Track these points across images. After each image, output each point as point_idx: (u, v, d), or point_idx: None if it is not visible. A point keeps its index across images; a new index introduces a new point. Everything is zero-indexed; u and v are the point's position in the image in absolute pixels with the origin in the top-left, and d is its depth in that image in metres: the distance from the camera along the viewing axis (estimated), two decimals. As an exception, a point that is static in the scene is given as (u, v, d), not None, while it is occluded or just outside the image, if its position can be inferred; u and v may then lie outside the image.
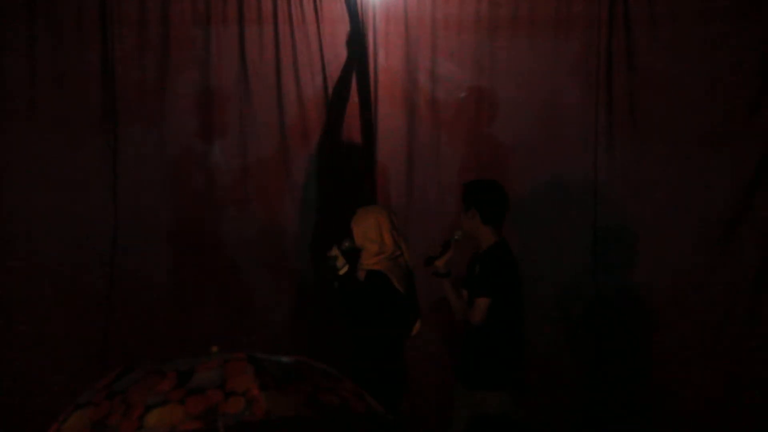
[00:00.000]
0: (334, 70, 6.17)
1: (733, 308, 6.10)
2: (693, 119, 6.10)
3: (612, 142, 6.16)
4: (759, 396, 6.07)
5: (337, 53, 6.19)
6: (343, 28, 6.19)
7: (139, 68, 6.14)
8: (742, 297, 6.09)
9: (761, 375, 6.07)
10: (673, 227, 6.12)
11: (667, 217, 6.12)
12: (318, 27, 6.16)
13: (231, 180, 6.18)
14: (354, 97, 6.23)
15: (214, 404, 2.05)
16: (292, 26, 6.16)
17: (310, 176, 6.20)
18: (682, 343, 6.12)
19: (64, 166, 6.14)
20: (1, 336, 6.12)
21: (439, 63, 6.17)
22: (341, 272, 5.23)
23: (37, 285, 6.12)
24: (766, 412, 6.08)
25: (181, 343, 5.87)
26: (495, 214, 5.16)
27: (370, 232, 5.24)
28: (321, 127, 6.19)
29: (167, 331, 6.04)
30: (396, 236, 5.31)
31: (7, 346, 6.11)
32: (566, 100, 6.16)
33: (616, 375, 6.12)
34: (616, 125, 6.16)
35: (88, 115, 6.16)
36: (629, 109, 6.15)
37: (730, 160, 6.09)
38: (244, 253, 6.16)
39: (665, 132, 6.13)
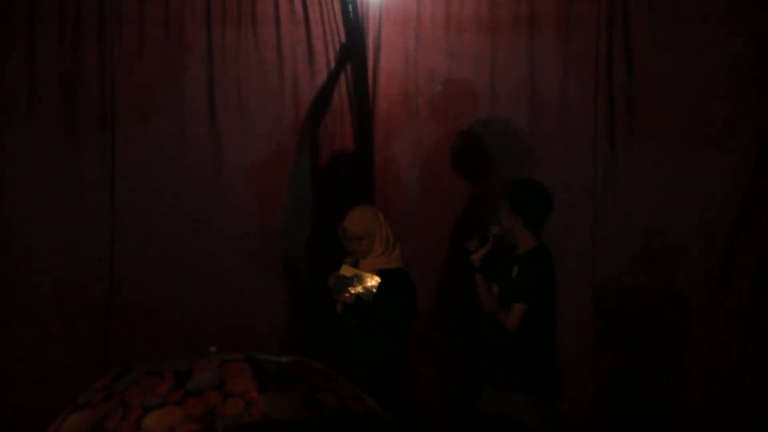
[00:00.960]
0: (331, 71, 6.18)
1: (734, 308, 6.10)
2: (692, 119, 6.10)
3: (612, 142, 6.15)
4: (760, 396, 6.07)
5: (338, 54, 6.19)
6: (344, 29, 6.20)
7: (139, 68, 6.13)
8: (743, 296, 6.09)
9: (762, 375, 6.07)
10: (673, 227, 6.12)
11: (668, 217, 6.12)
12: (322, 27, 6.16)
13: (231, 180, 6.17)
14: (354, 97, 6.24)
15: (212, 406, 2.05)
16: (291, 26, 6.15)
17: (309, 177, 6.19)
18: (684, 342, 6.12)
19: (63, 166, 6.12)
20: (2, 339, 6.12)
21: (439, 63, 6.17)
22: (376, 289, 5.18)
23: (36, 287, 6.10)
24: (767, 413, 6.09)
25: (181, 345, 5.84)
26: (538, 220, 5.16)
27: (378, 232, 5.23)
28: (321, 128, 6.19)
29: (167, 333, 6.02)
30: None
31: (6, 348, 6.10)
32: (566, 100, 6.15)
33: (616, 375, 6.11)
34: (616, 125, 6.16)
35: (87, 115, 6.14)
36: (629, 109, 6.15)
37: (729, 160, 6.09)
38: (244, 253, 6.15)
39: (665, 132, 6.13)
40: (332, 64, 6.17)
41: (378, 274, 5.19)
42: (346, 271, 5.23)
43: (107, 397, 2.04)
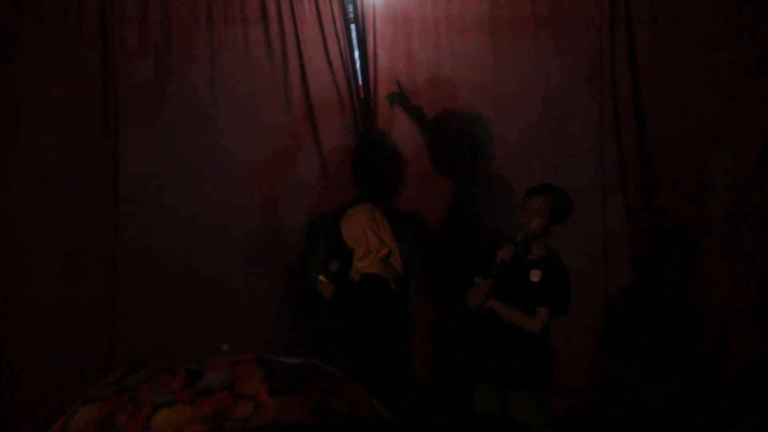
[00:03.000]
0: (335, 70, 6.14)
1: (738, 308, 6.09)
2: (694, 119, 6.12)
3: (617, 143, 6.15)
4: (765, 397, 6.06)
5: (339, 54, 6.16)
6: (344, 28, 6.18)
7: (140, 68, 6.12)
8: (746, 297, 6.08)
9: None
10: (677, 227, 6.12)
11: (671, 217, 6.12)
12: (320, 27, 6.13)
13: (233, 180, 6.15)
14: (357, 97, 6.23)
15: (222, 407, 2.00)
16: (295, 26, 6.14)
17: (312, 176, 6.17)
18: (690, 343, 6.11)
19: (65, 167, 6.10)
20: (3, 339, 6.07)
21: (440, 63, 6.15)
22: (327, 295, 5.25)
23: (39, 287, 6.07)
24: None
25: (186, 345, 5.84)
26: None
27: (355, 233, 5.29)
28: (323, 128, 6.16)
29: (171, 333, 6.00)
30: (383, 235, 5.29)
31: (9, 348, 6.06)
32: (570, 101, 6.17)
33: (625, 376, 6.10)
34: (620, 125, 6.16)
35: (88, 115, 6.13)
36: (633, 110, 6.16)
37: (730, 160, 6.10)
38: (247, 253, 6.12)
39: (668, 132, 6.15)
40: (333, 63, 6.14)
41: (360, 277, 5.23)
42: (321, 278, 5.43)
43: (117, 393, 1.99)
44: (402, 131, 6.17)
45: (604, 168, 6.15)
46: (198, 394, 2.00)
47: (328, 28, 6.13)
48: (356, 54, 6.21)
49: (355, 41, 6.19)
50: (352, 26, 6.22)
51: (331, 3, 6.14)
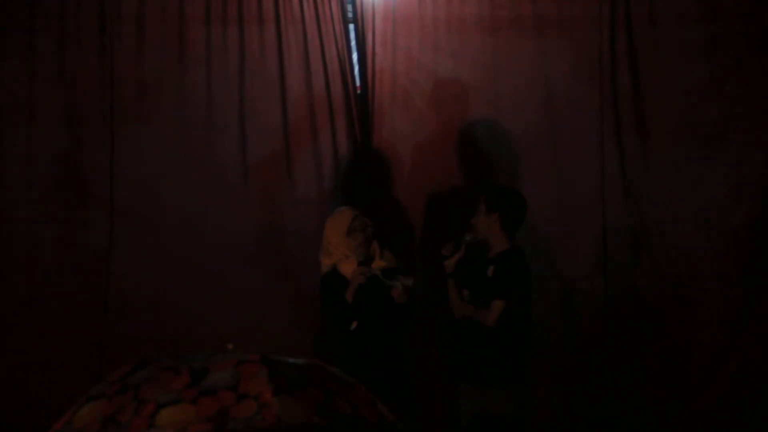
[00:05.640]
0: (335, 70, 6.12)
1: (739, 308, 6.07)
2: (694, 119, 6.11)
3: (618, 143, 6.15)
4: (763, 397, 6.04)
5: (338, 53, 6.15)
6: (342, 28, 6.17)
7: (139, 67, 6.10)
8: (747, 297, 6.07)
9: (765, 376, 6.05)
10: (678, 227, 6.11)
11: (673, 218, 6.11)
12: (319, 27, 6.12)
13: (231, 180, 6.13)
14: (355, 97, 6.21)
15: (225, 406, 1.99)
16: (292, 26, 6.12)
17: (310, 176, 6.15)
18: (690, 343, 6.09)
19: (63, 165, 6.09)
20: (1, 338, 6.06)
21: (440, 63, 6.14)
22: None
23: (35, 286, 6.06)
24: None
25: (180, 344, 5.82)
26: (514, 222, 5.31)
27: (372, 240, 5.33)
28: (322, 128, 6.15)
29: (167, 333, 5.98)
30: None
31: (5, 348, 6.04)
32: (570, 101, 6.16)
33: (624, 376, 6.09)
34: (621, 125, 6.15)
35: (86, 114, 6.11)
36: (633, 110, 6.15)
37: (731, 160, 6.10)
38: (244, 253, 6.10)
39: (668, 132, 6.14)
40: (331, 64, 6.12)
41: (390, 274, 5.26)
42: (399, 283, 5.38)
43: (122, 390, 1.97)
44: (399, 131, 6.15)
45: (604, 168, 6.14)
46: (202, 393, 1.98)
47: (327, 28, 6.12)
48: (354, 54, 6.19)
49: (353, 41, 6.17)
50: (351, 26, 6.21)
51: (330, 3, 6.12)
